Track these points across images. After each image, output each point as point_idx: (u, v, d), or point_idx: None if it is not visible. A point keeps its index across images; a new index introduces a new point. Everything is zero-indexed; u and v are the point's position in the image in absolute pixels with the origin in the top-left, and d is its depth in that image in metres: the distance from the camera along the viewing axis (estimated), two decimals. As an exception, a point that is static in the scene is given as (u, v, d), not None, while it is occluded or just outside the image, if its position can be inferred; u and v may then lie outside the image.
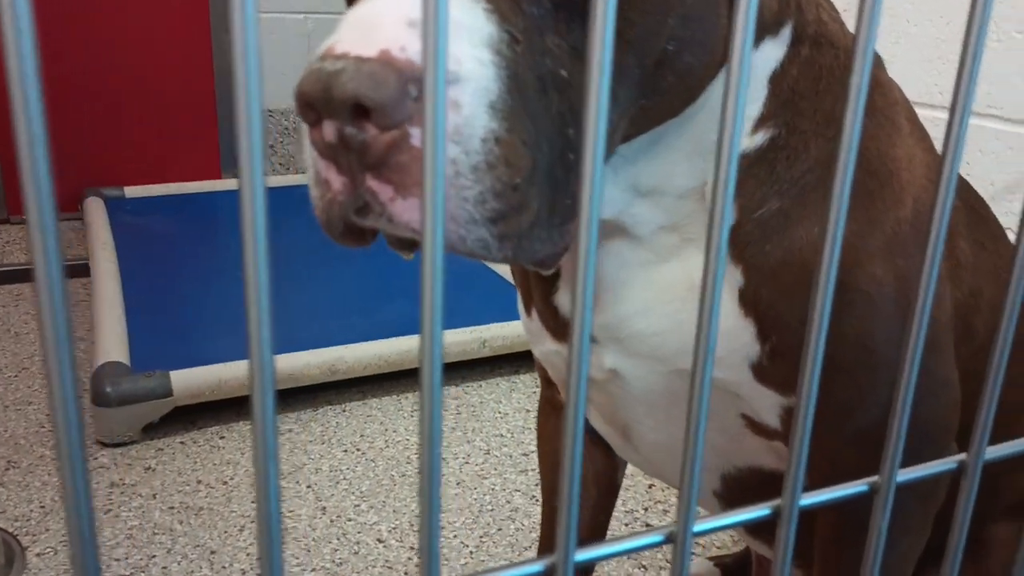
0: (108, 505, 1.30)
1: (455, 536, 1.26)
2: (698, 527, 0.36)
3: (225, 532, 1.25)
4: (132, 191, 2.50)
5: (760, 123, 0.56)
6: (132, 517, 1.28)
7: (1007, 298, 0.38)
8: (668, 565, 1.19)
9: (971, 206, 0.70)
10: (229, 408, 1.53)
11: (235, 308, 1.75)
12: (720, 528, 0.37)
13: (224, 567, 1.18)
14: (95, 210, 2.27)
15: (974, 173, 1.31)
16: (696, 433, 0.33)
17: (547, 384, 0.83)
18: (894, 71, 1.38)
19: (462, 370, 1.71)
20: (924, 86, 1.37)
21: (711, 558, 1.17)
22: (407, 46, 0.39)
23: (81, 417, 0.25)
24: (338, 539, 1.24)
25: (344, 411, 1.58)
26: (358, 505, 1.32)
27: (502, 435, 1.52)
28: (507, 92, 0.42)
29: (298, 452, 1.45)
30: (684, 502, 0.34)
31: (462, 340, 1.64)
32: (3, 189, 2.48)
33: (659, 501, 1.35)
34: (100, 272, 1.84)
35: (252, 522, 1.26)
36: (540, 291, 0.67)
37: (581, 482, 0.84)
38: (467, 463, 1.43)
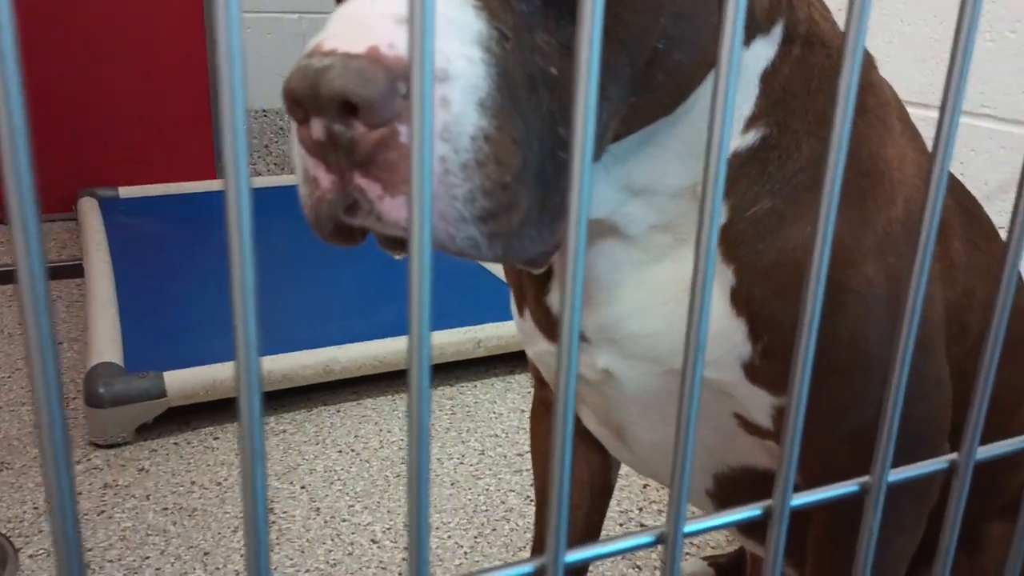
0: (101, 506, 1.30)
1: (449, 536, 1.26)
2: (689, 528, 0.36)
3: (219, 533, 1.25)
4: (126, 191, 2.49)
5: (751, 122, 0.56)
6: (125, 518, 1.27)
7: (997, 297, 0.38)
8: (663, 565, 1.19)
9: (964, 206, 0.70)
10: (223, 409, 1.53)
11: (229, 309, 1.75)
12: (711, 529, 0.37)
13: (218, 568, 1.18)
14: (89, 210, 2.27)
15: (968, 173, 1.31)
16: (686, 434, 0.33)
17: (541, 384, 0.83)
18: (888, 70, 1.38)
19: (457, 370, 1.71)
20: (918, 85, 1.37)
21: (705, 558, 1.17)
22: (396, 43, 0.39)
23: (65, 418, 0.25)
24: (332, 540, 1.24)
25: (339, 412, 1.58)
26: (352, 506, 1.32)
27: (497, 435, 1.52)
28: (497, 90, 0.41)
29: (292, 453, 1.45)
30: (674, 503, 0.34)
31: (457, 340, 1.64)
32: (-4, 189, 2.48)
33: (654, 501, 1.35)
34: (94, 272, 1.84)
35: (246, 523, 1.25)
36: (532, 291, 0.67)
37: (575, 483, 0.84)
38: (462, 463, 1.43)
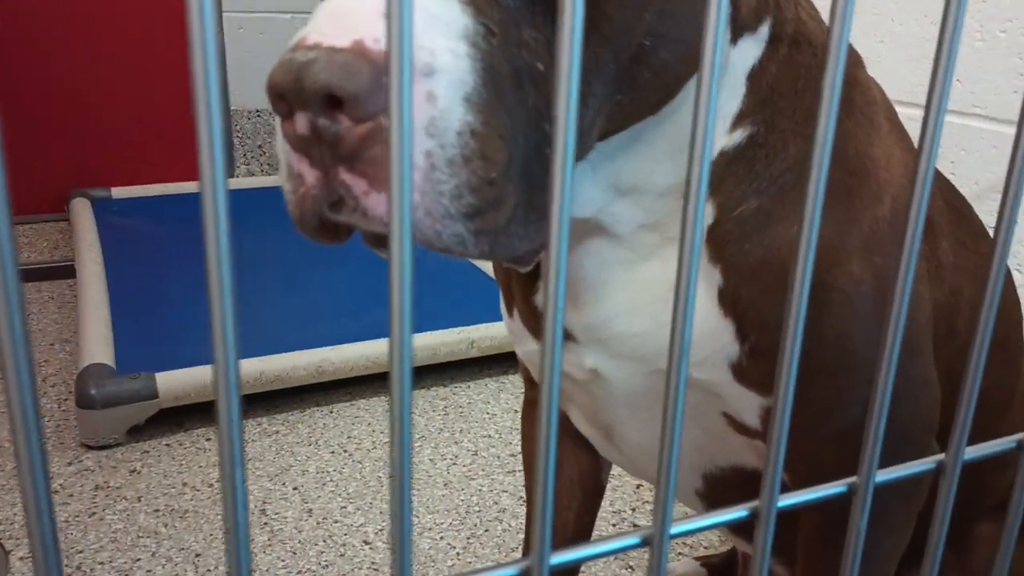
0: (92, 508, 1.29)
1: (442, 538, 1.25)
2: (675, 529, 0.35)
3: (211, 535, 1.24)
4: (119, 192, 2.49)
5: (738, 120, 0.56)
6: (116, 520, 1.27)
7: (984, 297, 0.38)
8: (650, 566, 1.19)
9: (953, 206, 0.70)
10: (215, 410, 1.52)
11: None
12: (697, 530, 0.37)
13: (209, 570, 1.17)
14: (81, 211, 2.26)
15: (958, 172, 1.31)
16: (672, 436, 0.33)
17: (531, 385, 0.83)
18: (879, 70, 1.38)
19: (450, 371, 1.71)
20: (909, 85, 1.38)
21: (698, 558, 1.17)
22: (381, 37, 0.39)
23: (41, 422, 0.24)
24: (324, 541, 1.24)
25: (331, 412, 1.58)
26: (345, 507, 1.31)
27: (490, 436, 1.51)
28: (483, 85, 0.41)
29: (285, 454, 1.44)
30: (660, 504, 0.34)
31: (450, 340, 1.64)
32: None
33: (647, 501, 1.35)
34: (86, 273, 1.83)
35: (238, 524, 1.25)
36: (521, 291, 0.67)
37: (566, 483, 0.84)
38: (455, 464, 1.43)
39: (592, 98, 0.47)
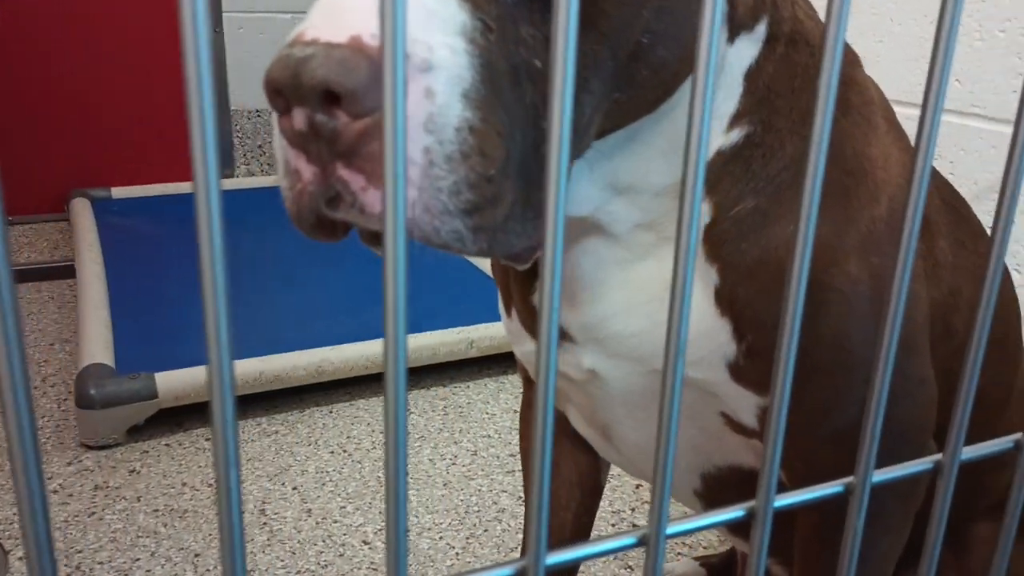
0: (92, 508, 1.29)
1: (441, 538, 1.25)
2: (671, 529, 0.35)
3: (210, 535, 1.24)
4: (119, 192, 2.49)
5: (735, 120, 0.56)
6: (116, 520, 1.27)
7: (981, 296, 0.38)
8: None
9: (951, 205, 0.70)
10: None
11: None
12: (693, 530, 0.37)
13: (208, 570, 1.17)
14: (81, 211, 2.26)
15: (957, 172, 1.31)
16: (668, 436, 0.33)
17: (530, 385, 0.83)
18: (878, 70, 1.38)
19: (450, 371, 1.71)
20: (907, 85, 1.37)
21: (697, 558, 1.17)
22: (378, 33, 0.39)
23: (34, 421, 0.24)
24: (323, 541, 1.24)
25: (331, 412, 1.58)
26: (344, 507, 1.31)
27: (489, 436, 1.51)
28: (481, 81, 0.41)
29: (284, 454, 1.44)
30: (656, 505, 0.34)
31: (450, 341, 1.64)
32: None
33: (646, 501, 1.35)
34: (86, 273, 1.83)
35: (237, 524, 1.25)
36: (519, 291, 0.67)
37: (564, 483, 0.84)
38: (454, 464, 1.43)
39: (590, 95, 0.46)
